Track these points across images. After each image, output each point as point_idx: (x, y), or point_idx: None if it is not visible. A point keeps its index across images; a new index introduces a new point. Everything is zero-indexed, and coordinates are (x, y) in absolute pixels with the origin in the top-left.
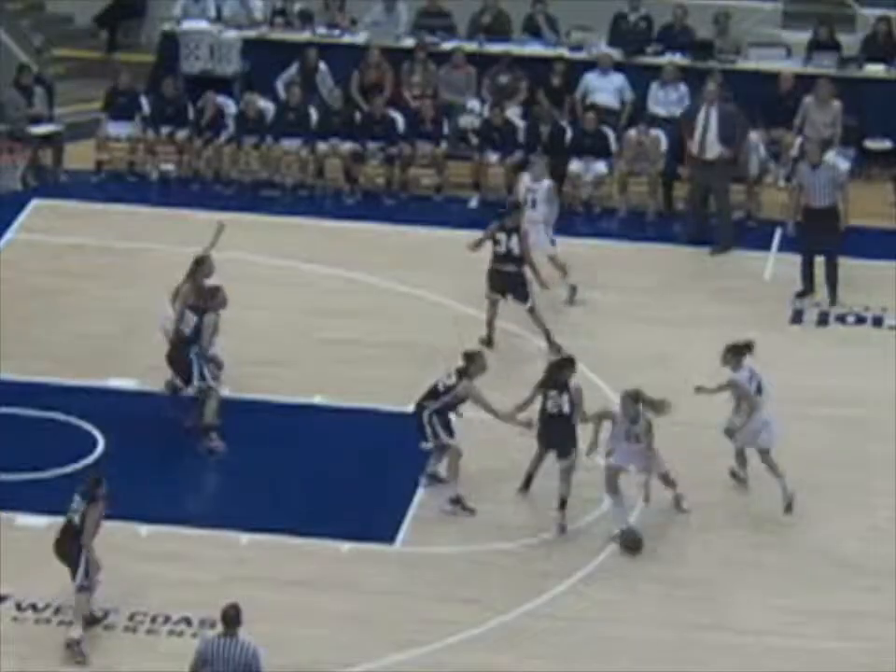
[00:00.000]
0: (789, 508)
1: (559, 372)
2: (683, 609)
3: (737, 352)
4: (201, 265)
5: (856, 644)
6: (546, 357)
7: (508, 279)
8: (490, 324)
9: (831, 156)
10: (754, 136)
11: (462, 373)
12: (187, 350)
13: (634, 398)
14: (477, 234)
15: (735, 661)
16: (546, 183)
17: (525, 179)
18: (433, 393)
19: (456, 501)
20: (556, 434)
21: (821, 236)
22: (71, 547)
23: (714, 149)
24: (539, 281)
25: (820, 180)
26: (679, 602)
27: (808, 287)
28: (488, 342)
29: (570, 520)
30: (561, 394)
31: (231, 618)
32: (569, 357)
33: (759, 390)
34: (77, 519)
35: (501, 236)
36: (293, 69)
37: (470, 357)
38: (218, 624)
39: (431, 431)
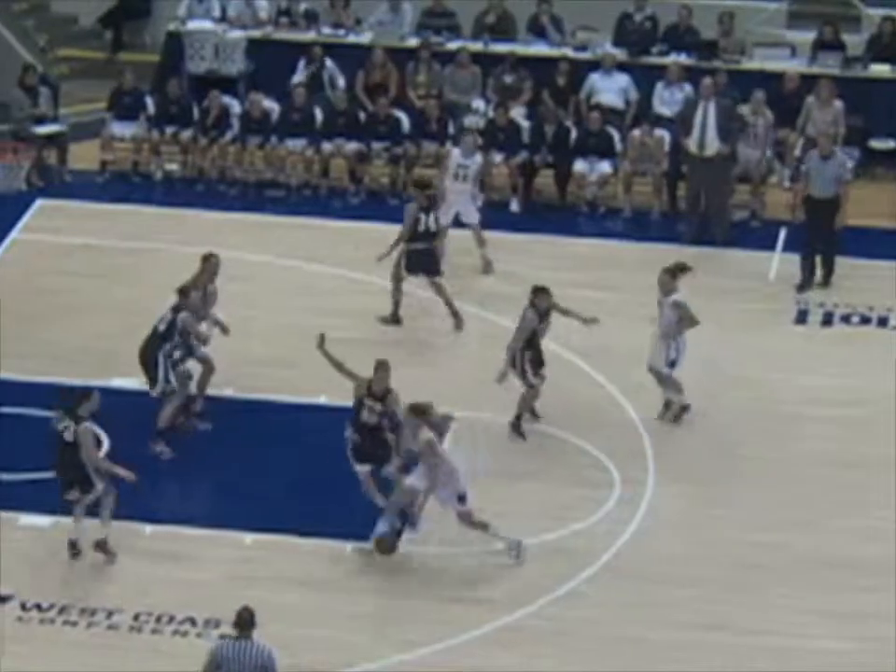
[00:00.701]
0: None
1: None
2: (683, 608)
3: (674, 274)
4: (205, 263)
5: (856, 644)
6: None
7: (423, 256)
8: (397, 303)
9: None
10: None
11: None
12: (156, 348)
13: (415, 412)
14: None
15: (735, 661)
16: (478, 159)
17: (456, 154)
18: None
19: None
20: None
21: (821, 228)
22: (72, 464)
23: (713, 146)
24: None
25: (829, 172)
26: (679, 602)
27: (808, 280)
28: (395, 318)
29: (573, 520)
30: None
31: (246, 620)
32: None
33: None
34: (69, 436)
35: (420, 216)
36: (303, 66)
37: (377, 371)
38: (223, 624)
39: None
